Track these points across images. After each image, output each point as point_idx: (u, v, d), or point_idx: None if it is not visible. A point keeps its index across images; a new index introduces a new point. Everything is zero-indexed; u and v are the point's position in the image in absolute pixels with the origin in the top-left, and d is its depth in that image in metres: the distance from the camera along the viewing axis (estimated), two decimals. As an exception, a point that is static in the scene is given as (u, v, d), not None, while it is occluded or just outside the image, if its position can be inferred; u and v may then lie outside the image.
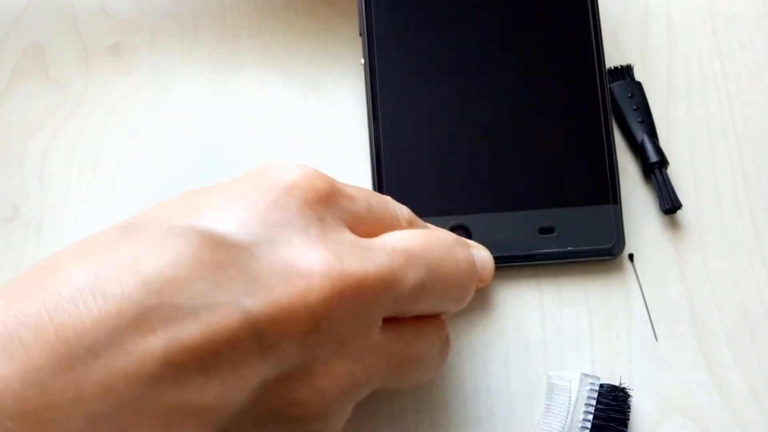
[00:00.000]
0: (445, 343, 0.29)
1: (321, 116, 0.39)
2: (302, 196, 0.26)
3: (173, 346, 0.21)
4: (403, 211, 0.30)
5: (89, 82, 0.41)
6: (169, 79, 0.41)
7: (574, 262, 0.35)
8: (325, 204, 0.26)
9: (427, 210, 0.33)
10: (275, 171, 0.26)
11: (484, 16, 0.37)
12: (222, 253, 0.23)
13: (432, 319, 0.29)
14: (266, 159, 0.39)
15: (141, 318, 0.21)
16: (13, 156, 0.39)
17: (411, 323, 0.28)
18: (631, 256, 0.36)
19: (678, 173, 0.38)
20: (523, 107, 0.36)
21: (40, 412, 0.20)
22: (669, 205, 0.36)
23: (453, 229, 0.34)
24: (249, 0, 0.43)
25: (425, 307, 0.28)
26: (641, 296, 0.35)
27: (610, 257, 0.35)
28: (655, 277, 0.35)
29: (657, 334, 0.34)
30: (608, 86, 0.37)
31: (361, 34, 0.37)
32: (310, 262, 0.24)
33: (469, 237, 0.34)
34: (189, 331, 0.22)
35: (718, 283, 0.35)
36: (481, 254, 0.32)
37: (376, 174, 0.35)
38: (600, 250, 0.35)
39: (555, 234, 0.34)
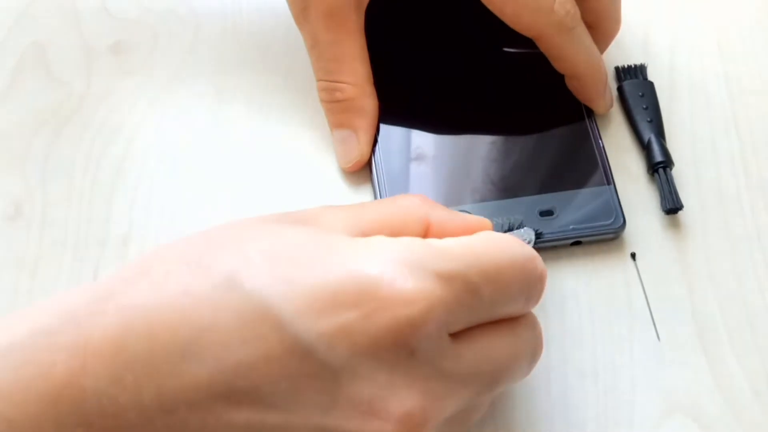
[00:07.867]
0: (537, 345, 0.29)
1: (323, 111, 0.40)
2: (403, 335, 0.24)
3: (254, 424, 0.24)
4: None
5: (91, 81, 0.41)
6: (171, 78, 0.41)
7: (577, 244, 0.35)
8: (425, 336, 0.24)
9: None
10: (392, 302, 0.24)
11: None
12: (308, 365, 0.24)
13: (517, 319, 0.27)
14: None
15: (230, 393, 0.24)
16: (15, 155, 0.39)
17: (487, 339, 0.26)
18: (633, 255, 0.36)
19: (681, 173, 0.38)
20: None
21: None
22: (670, 205, 0.36)
23: None
24: (251, -1, 0.43)
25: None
26: (643, 295, 0.35)
27: (613, 234, 0.35)
28: (657, 276, 0.35)
29: (659, 334, 0.34)
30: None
31: None
32: (388, 407, 0.24)
33: None
34: (270, 419, 0.24)
35: (720, 283, 0.35)
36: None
37: (375, 168, 0.37)
38: (602, 226, 0.35)
39: (555, 216, 0.35)
